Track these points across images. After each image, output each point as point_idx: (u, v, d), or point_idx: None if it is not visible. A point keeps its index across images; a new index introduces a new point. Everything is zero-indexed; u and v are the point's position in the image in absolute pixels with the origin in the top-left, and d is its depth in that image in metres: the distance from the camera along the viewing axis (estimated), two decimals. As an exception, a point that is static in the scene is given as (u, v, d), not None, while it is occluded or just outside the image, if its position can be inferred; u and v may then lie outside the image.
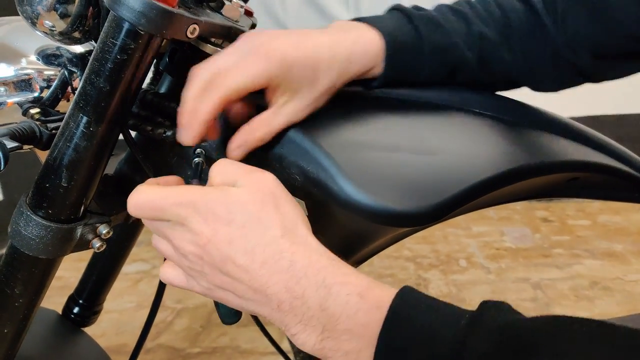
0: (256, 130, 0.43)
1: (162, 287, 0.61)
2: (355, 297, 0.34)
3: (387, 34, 0.46)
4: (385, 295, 0.35)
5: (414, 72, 0.48)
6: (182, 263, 0.39)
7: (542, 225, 1.87)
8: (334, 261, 0.36)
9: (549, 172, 0.48)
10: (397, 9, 0.50)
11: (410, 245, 1.77)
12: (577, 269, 1.59)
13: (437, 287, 1.53)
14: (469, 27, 0.49)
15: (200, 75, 0.41)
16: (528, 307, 1.42)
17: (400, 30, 0.47)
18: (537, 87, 0.53)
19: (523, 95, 0.54)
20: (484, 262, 1.65)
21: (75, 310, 0.69)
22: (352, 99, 0.47)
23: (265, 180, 0.38)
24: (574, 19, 0.49)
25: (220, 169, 0.39)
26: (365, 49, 0.45)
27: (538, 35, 0.50)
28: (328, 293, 0.35)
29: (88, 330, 0.71)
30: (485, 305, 0.33)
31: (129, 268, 1.65)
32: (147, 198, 0.38)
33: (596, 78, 0.52)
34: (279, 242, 0.36)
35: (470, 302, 1.46)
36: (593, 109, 1.95)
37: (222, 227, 0.36)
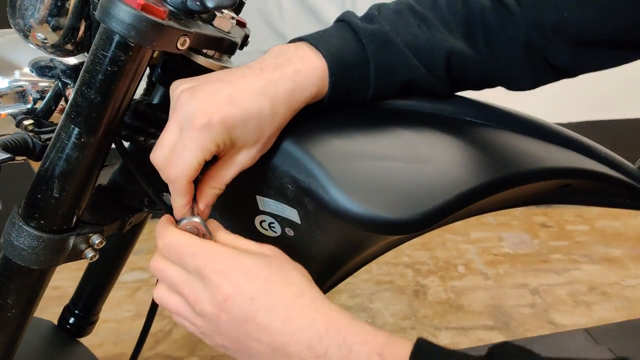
0: (210, 184, 0.43)
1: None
2: (375, 356, 0.35)
3: (330, 55, 0.44)
4: (403, 352, 0.35)
5: (360, 92, 0.47)
6: (196, 321, 0.39)
7: (541, 230, 1.87)
8: (351, 319, 0.37)
9: (538, 179, 0.48)
10: (345, 20, 0.47)
11: (409, 252, 1.77)
12: (575, 275, 1.59)
13: (435, 294, 1.53)
14: (430, 34, 0.47)
15: (157, 164, 0.41)
16: (526, 312, 1.42)
17: (344, 49, 0.45)
18: (511, 86, 0.51)
19: (517, 103, 0.55)
20: (483, 268, 1.65)
21: (71, 320, 0.69)
22: (342, 110, 0.47)
23: (275, 249, 0.40)
24: (555, 3, 0.46)
25: (230, 241, 0.41)
26: (307, 80, 0.43)
27: (508, 27, 0.47)
28: (349, 352, 0.35)
29: (85, 339, 0.71)
30: (492, 354, 0.35)
31: (127, 277, 1.64)
32: (178, 242, 0.39)
33: (572, 71, 0.50)
34: (300, 299, 0.37)
35: (468, 308, 1.46)
36: (589, 114, 1.96)
37: (245, 282, 0.36)
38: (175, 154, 0.39)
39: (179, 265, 0.39)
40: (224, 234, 0.42)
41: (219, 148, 0.40)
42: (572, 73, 0.50)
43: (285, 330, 0.35)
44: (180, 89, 0.41)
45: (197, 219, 0.41)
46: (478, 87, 0.52)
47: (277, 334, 0.35)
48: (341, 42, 0.45)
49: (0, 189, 0.47)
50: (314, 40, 0.44)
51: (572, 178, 0.51)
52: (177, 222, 0.42)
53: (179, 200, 0.41)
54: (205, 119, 0.38)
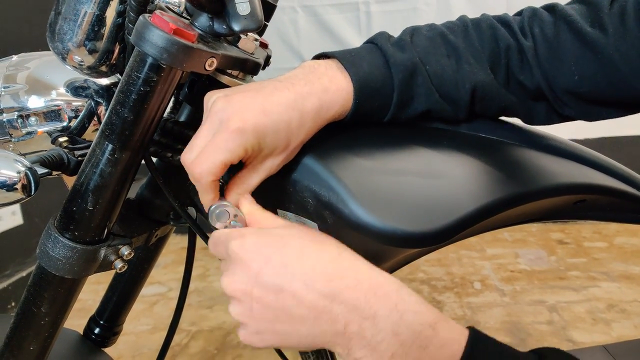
0: (237, 189, 0.44)
1: (179, 310, 0.62)
2: (427, 328, 0.34)
3: (357, 80, 0.45)
4: (456, 332, 0.35)
5: (379, 116, 0.48)
6: (231, 307, 0.38)
7: (558, 247, 1.86)
8: (401, 286, 0.36)
9: (554, 195, 0.49)
10: (376, 43, 0.48)
11: (425, 268, 1.76)
12: (593, 292, 1.57)
13: (451, 310, 1.53)
14: (457, 66, 0.48)
15: (185, 164, 0.42)
16: (544, 330, 1.40)
17: (373, 75, 0.46)
18: (527, 120, 0.53)
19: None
20: (499, 284, 1.64)
21: (96, 330, 0.70)
22: (361, 126, 0.49)
23: (307, 227, 0.41)
24: (569, 66, 0.48)
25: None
26: (333, 99, 0.45)
27: (525, 72, 0.50)
28: (400, 318, 0.34)
29: (106, 351, 0.72)
30: (542, 353, 0.35)
31: (146, 290, 1.66)
32: (212, 238, 0.42)
33: (576, 119, 0.52)
34: (338, 262, 0.37)
35: (484, 324, 1.45)
36: (611, 130, 1.95)
37: (276, 253, 0.37)
38: (203, 152, 0.40)
39: (223, 257, 0.41)
40: (256, 210, 0.43)
41: (246, 153, 0.42)
42: (576, 119, 0.52)
43: (327, 292, 0.35)
44: (215, 96, 0.43)
45: (225, 202, 0.43)
46: (497, 116, 0.53)
47: (319, 297, 0.35)
48: (371, 68, 0.46)
49: (23, 203, 0.49)
50: (344, 60, 0.46)
51: (587, 194, 0.52)
52: (207, 214, 0.44)
53: (206, 196, 0.43)
54: (240, 123, 0.40)
